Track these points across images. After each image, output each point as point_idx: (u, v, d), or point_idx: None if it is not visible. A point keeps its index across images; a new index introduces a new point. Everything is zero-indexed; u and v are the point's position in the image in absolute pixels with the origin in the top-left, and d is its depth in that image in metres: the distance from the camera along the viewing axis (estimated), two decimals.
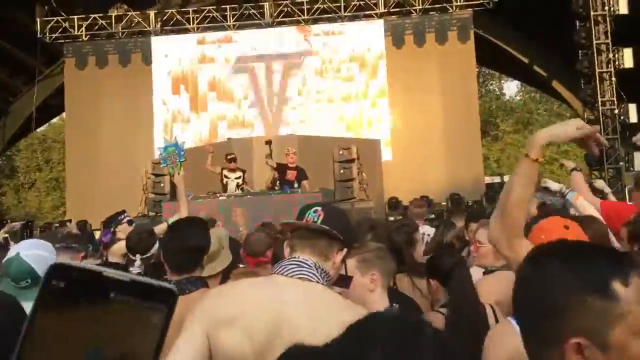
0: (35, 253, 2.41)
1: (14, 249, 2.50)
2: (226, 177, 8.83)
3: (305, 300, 1.57)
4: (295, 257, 1.65)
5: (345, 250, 1.71)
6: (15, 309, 1.86)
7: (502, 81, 32.11)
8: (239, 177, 8.89)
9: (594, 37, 14.45)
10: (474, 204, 12.29)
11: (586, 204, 3.38)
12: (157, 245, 3.64)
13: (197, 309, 1.63)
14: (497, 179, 19.54)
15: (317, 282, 1.60)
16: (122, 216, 6.05)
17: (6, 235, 5.86)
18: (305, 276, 1.60)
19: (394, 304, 2.10)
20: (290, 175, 8.98)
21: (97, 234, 8.30)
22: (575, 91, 16.87)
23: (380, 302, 2.07)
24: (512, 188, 1.56)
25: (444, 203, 11.90)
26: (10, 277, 2.33)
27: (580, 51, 15.02)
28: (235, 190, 8.60)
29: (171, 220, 3.57)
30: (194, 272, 2.25)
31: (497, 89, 32.81)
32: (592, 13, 14.27)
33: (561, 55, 16.45)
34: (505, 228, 1.56)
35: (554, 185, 3.73)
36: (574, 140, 1.59)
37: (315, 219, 1.69)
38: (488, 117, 29.70)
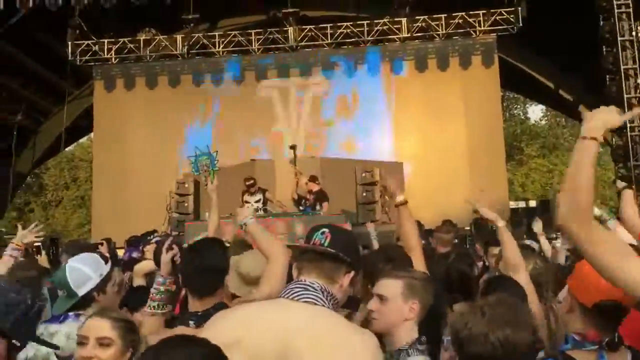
0: (79, 267, 2.42)
1: (70, 259, 2.53)
2: (246, 202, 8.85)
3: (310, 325, 1.55)
4: (302, 280, 1.65)
5: (352, 272, 1.70)
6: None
7: (527, 105, 31.83)
8: (259, 200, 8.87)
9: (621, 62, 14.26)
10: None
11: (625, 234, 3.25)
12: None
13: (203, 332, 1.62)
14: (522, 204, 19.26)
15: (323, 305, 1.59)
16: (152, 236, 6.10)
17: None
18: (311, 300, 1.59)
19: (423, 337, 2.04)
20: (310, 197, 9.03)
21: (121, 252, 8.40)
22: None
23: (410, 332, 2.01)
24: (580, 170, 1.55)
25: (467, 228, 11.74)
26: (53, 282, 2.40)
27: (607, 76, 14.81)
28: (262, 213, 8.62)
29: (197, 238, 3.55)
30: (214, 296, 2.23)
31: (521, 113, 32.53)
32: (619, 38, 14.10)
33: (588, 80, 16.23)
34: (574, 212, 1.53)
35: (594, 211, 3.54)
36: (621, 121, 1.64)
37: (323, 241, 1.69)
38: (512, 141, 29.42)
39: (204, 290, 2.22)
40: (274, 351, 1.52)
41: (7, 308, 1.84)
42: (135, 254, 5.65)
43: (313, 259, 1.68)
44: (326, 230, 1.72)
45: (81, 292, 2.37)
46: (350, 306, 2.54)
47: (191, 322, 2.17)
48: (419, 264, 2.73)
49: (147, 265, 3.85)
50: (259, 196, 8.94)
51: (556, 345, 2.13)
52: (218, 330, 1.59)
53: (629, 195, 3.34)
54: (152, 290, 2.42)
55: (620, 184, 3.76)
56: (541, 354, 1.88)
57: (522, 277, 2.73)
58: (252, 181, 8.94)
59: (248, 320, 1.60)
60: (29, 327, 1.70)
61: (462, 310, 1.70)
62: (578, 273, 1.81)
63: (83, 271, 2.42)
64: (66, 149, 26.81)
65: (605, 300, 1.68)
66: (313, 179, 9.22)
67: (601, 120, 1.61)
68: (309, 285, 1.62)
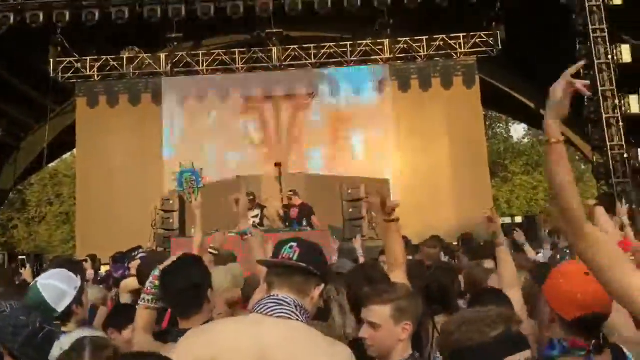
0: (52, 283, 2.41)
1: (39, 277, 2.52)
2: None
3: (286, 339, 1.55)
4: (274, 295, 1.64)
5: (322, 285, 1.71)
6: None
7: (509, 124, 32.23)
8: (256, 216, 8.79)
9: (599, 84, 14.53)
10: (485, 244, 12.14)
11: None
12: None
13: (176, 350, 1.63)
14: (507, 220, 19.36)
15: (297, 319, 1.60)
16: (137, 252, 6.06)
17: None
18: (284, 314, 1.59)
19: (415, 353, 2.05)
20: (293, 213, 9.03)
21: (105, 269, 8.32)
22: (584, 135, 16.88)
23: (405, 350, 2.02)
24: (552, 177, 1.58)
25: (455, 243, 11.81)
26: (27, 304, 2.32)
27: (586, 97, 15.05)
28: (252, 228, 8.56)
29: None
30: (201, 313, 2.22)
31: (504, 132, 32.90)
32: (596, 61, 14.38)
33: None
34: (565, 218, 1.56)
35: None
36: (567, 99, 1.64)
37: (292, 255, 1.69)
38: (497, 159, 29.70)
39: (191, 310, 2.21)
40: None
41: (15, 330, 1.83)
42: (120, 272, 5.63)
43: (283, 274, 1.68)
44: (294, 244, 1.72)
45: (60, 307, 2.37)
46: (320, 318, 2.54)
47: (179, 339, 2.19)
48: (402, 279, 2.68)
49: (132, 282, 3.84)
50: (257, 212, 8.88)
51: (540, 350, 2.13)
52: (192, 347, 1.59)
53: (601, 212, 3.35)
54: (147, 284, 2.38)
55: (590, 202, 3.73)
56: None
57: (516, 296, 2.74)
58: (252, 197, 8.88)
59: (221, 336, 1.59)
60: (38, 351, 1.69)
61: (453, 325, 1.62)
62: (553, 286, 1.81)
63: (57, 287, 2.41)
64: (49, 165, 26.59)
65: (584, 315, 1.70)
66: (294, 193, 9.23)
67: (551, 117, 1.64)
68: (282, 300, 1.62)
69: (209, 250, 3.78)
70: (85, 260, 7.42)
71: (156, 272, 2.38)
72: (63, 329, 2.31)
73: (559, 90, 1.63)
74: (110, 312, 3.46)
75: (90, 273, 5.97)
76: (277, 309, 1.60)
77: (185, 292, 2.24)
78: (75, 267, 4.00)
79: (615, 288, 1.50)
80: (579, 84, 1.64)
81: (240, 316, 1.85)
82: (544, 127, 1.65)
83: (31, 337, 1.52)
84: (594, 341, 1.73)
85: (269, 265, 1.79)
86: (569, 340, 1.76)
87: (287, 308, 1.61)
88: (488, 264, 3.79)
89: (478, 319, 1.53)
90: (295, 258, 1.68)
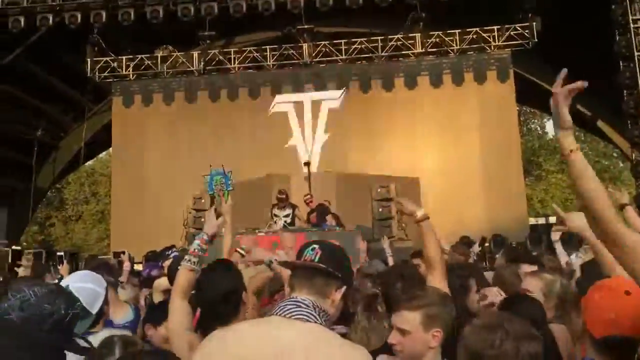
0: (83, 286, 2.45)
1: (65, 281, 2.56)
2: (275, 215, 8.70)
3: (302, 342, 1.55)
4: (293, 297, 1.65)
5: (344, 287, 1.70)
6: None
7: (544, 120, 31.49)
8: (288, 215, 8.71)
9: (639, 77, 14.07)
10: (517, 246, 11.90)
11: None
12: None
13: (197, 355, 1.65)
14: (541, 220, 18.93)
15: (315, 322, 1.59)
16: (171, 251, 6.13)
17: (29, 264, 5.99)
18: (302, 316, 1.59)
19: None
20: (313, 218, 8.89)
21: (139, 267, 8.46)
22: (622, 131, 16.36)
23: (436, 357, 2.01)
24: (579, 190, 1.57)
25: (486, 245, 11.60)
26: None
27: (625, 91, 14.61)
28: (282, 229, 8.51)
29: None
30: (237, 318, 2.25)
31: (539, 128, 32.18)
32: (636, 53, 13.94)
33: (606, 94, 16.02)
34: (598, 228, 1.55)
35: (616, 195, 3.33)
36: (564, 107, 1.60)
37: (313, 257, 1.69)
38: (530, 156, 29.08)
39: (228, 317, 2.23)
40: None
41: (40, 318, 1.86)
42: (155, 272, 5.65)
43: (304, 276, 1.68)
44: (316, 246, 1.73)
45: (95, 309, 2.43)
46: (343, 322, 2.50)
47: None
48: (439, 281, 2.64)
49: (166, 281, 3.86)
50: (289, 211, 8.79)
51: None
52: (212, 353, 1.61)
53: (631, 211, 3.20)
54: (194, 246, 2.45)
55: (622, 197, 3.47)
56: None
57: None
58: (284, 195, 8.84)
59: (241, 340, 1.60)
60: (66, 336, 1.74)
61: (473, 331, 1.67)
62: (589, 301, 1.74)
63: (91, 289, 2.47)
64: (86, 164, 27.25)
65: (612, 335, 1.62)
66: (310, 196, 9.11)
67: (556, 123, 1.62)
68: (301, 302, 1.62)
69: (237, 249, 3.81)
70: (123, 252, 7.53)
71: (204, 236, 2.46)
72: (91, 329, 2.40)
73: (553, 103, 1.61)
74: (147, 309, 3.57)
75: (127, 265, 6.01)
76: (295, 311, 1.60)
77: (220, 302, 2.28)
78: (110, 268, 4.06)
79: None
80: (571, 86, 1.61)
81: (259, 319, 1.85)
82: (559, 141, 1.63)
83: (57, 323, 1.56)
84: None
85: (290, 267, 1.80)
86: None
87: (306, 310, 1.60)
88: (526, 268, 3.61)
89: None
90: (316, 260, 1.68)
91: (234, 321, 2.20)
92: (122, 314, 3.30)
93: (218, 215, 2.61)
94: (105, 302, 2.51)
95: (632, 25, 13.94)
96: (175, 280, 2.41)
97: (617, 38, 14.34)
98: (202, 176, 11.23)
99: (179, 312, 2.33)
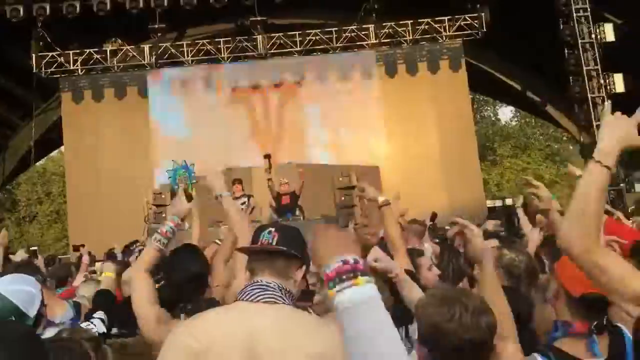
0: (18, 288, 2.30)
1: None
2: None
3: (275, 324, 1.57)
4: (257, 281, 1.65)
5: (304, 267, 1.73)
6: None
7: (497, 107, 32.33)
8: (244, 203, 8.73)
9: (583, 64, 14.60)
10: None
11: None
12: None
13: (166, 344, 1.64)
14: (498, 203, 19.49)
15: (283, 303, 1.61)
16: (134, 246, 6.04)
17: None
18: (271, 299, 1.61)
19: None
20: (285, 199, 9.03)
21: (98, 265, 8.27)
22: (570, 115, 16.96)
23: None
24: (590, 197, 1.53)
25: (447, 227, 11.85)
26: None
27: (571, 77, 15.14)
28: None
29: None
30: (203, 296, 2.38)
31: (492, 115, 33.01)
32: (580, 41, 14.44)
33: (553, 80, 16.58)
34: (581, 237, 1.53)
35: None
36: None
37: (271, 240, 1.70)
38: (485, 142, 29.81)
39: (192, 297, 2.33)
40: (243, 355, 1.53)
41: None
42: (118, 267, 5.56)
43: (264, 259, 1.69)
44: (272, 229, 1.75)
45: (32, 312, 2.28)
46: (304, 299, 2.56)
47: (182, 315, 2.29)
48: (402, 259, 2.78)
49: (132, 269, 3.84)
50: (244, 200, 8.82)
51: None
52: (183, 340, 1.61)
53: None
54: (167, 227, 2.46)
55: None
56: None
57: (400, 256, 2.74)
58: (239, 179, 8.85)
59: (211, 328, 1.60)
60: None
61: (431, 303, 1.68)
62: (566, 263, 1.78)
63: (26, 290, 2.32)
64: (37, 164, 26.36)
65: (591, 293, 1.71)
66: (287, 183, 9.25)
67: (617, 138, 1.56)
68: (266, 285, 1.63)
69: (215, 240, 3.89)
70: (82, 245, 7.37)
71: (176, 219, 2.50)
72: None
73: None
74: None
75: (85, 259, 5.89)
76: (262, 294, 1.61)
77: (187, 283, 2.38)
78: (34, 267, 3.90)
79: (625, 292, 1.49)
80: None
81: (227, 305, 1.83)
82: (606, 147, 1.56)
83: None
84: (595, 322, 1.74)
85: (248, 252, 1.80)
86: (573, 324, 1.77)
87: (272, 292, 1.62)
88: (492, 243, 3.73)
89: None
90: (274, 243, 1.70)
91: (198, 300, 2.31)
92: (61, 312, 3.16)
93: (188, 198, 2.61)
94: (42, 302, 2.37)
95: (574, 15, 14.43)
96: (140, 257, 2.44)
97: (561, 27, 14.82)
98: (165, 172, 11.06)
99: (144, 285, 2.32)
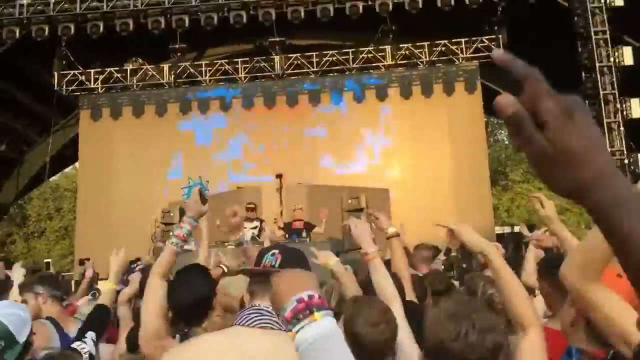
0: (11, 312, 2.25)
1: None
2: (244, 227, 8.72)
3: (267, 350, 1.53)
4: (255, 305, 1.62)
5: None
6: None
7: None
8: (255, 227, 8.74)
9: (600, 87, 14.62)
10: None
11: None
12: None
13: None
14: (507, 229, 19.37)
15: (279, 329, 1.57)
16: (135, 265, 6.04)
17: None
18: (266, 325, 1.57)
19: None
20: (297, 224, 8.96)
21: (101, 283, 8.26)
22: None
23: None
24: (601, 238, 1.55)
25: (453, 254, 11.77)
26: None
27: (587, 101, 15.15)
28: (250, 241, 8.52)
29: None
30: (200, 327, 2.28)
31: (505, 138, 32.96)
32: (597, 64, 14.48)
33: None
34: (585, 269, 1.55)
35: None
36: None
37: (273, 263, 1.66)
38: (497, 167, 29.74)
39: (195, 322, 2.28)
40: None
41: None
42: (120, 287, 5.54)
43: (264, 282, 1.62)
44: (276, 251, 1.70)
45: (22, 338, 2.21)
46: None
47: (177, 336, 2.24)
48: (408, 291, 2.80)
49: (129, 290, 3.81)
50: (256, 223, 8.83)
51: None
52: None
53: (397, 244, 3.11)
54: (184, 230, 2.36)
55: (393, 232, 3.14)
56: None
57: (406, 286, 2.76)
58: (252, 205, 8.85)
59: (205, 353, 1.58)
60: None
61: (437, 319, 1.66)
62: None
63: (19, 315, 2.26)
64: (50, 179, 26.53)
65: None
66: (301, 209, 9.22)
67: None
68: (263, 310, 1.60)
69: (220, 265, 3.83)
70: (88, 259, 7.35)
71: (193, 221, 2.40)
72: None
73: None
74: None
75: (89, 272, 5.90)
76: (258, 319, 1.58)
77: (194, 306, 2.31)
78: (56, 280, 3.90)
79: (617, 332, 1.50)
80: None
81: (223, 329, 1.80)
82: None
83: None
84: (612, 352, 1.66)
85: (250, 274, 1.77)
86: (589, 351, 1.72)
87: (269, 318, 1.58)
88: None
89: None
90: (276, 265, 1.65)
91: (201, 324, 2.26)
92: (73, 328, 3.11)
93: (202, 199, 2.49)
94: (31, 330, 2.29)
95: (593, 37, 14.51)
96: (158, 261, 2.32)
97: (580, 50, 14.89)
98: (181, 188, 11.04)
99: (157, 294, 2.22)
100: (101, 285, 3.78)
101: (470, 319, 1.58)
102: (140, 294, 3.27)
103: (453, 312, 1.65)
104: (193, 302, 2.32)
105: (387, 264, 3.85)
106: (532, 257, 3.52)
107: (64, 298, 4.45)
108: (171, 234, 2.38)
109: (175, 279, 2.46)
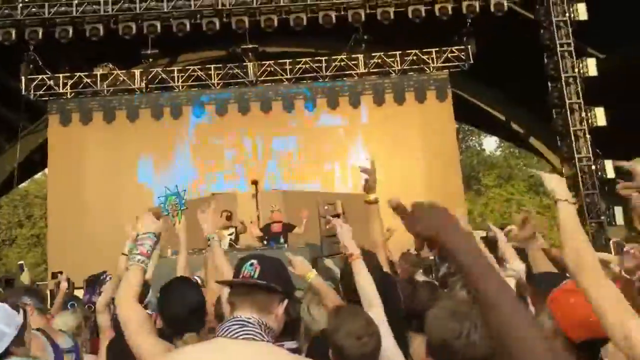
0: None
1: None
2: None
3: None
4: (237, 317, 1.61)
5: (286, 301, 1.69)
6: None
7: (482, 137, 32.87)
8: (232, 234, 8.74)
9: (566, 97, 14.98)
10: None
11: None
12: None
13: None
14: (482, 233, 19.58)
15: (262, 339, 1.57)
16: (104, 275, 6.00)
17: None
18: (250, 336, 1.56)
19: None
20: (276, 227, 8.95)
21: (79, 292, 8.15)
22: (553, 147, 17.32)
23: None
24: (575, 233, 1.68)
25: (431, 257, 11.91)
26: None
27: (554, 110, 15.52)
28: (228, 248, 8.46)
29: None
30: (197, 334, 2.29)
31: (477, 144, 33.52)
32: (563, 75, 14.85)
33: (537, 112, 16.98)
34: (584, 270, 1.61)
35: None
36: None
37: (252, 273, 1.65)
38: (470, 172, 30.17)
39: (188, 332, 2.27)
40: None
41: None
42: (95, 298, 5.52)
43: (245, 293, 1.64)
44: (254, 261, 1.69)
45: (2, 346, 2.18)
46: (288, 335, 2.58)
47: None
48: (383, 261, 2.85)
49: (105, 298, 3.79)
50: (232, 230, 8.82)
51: None
52: None
53: (374, 211, 3.18)
54: (146, 246, 2.27)
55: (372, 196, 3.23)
56: None
57: (381, 258, 2.84)
58: (229, 214, 8.82)
59: None
60: None
61: (439, 317, 1.69)
62: (564, 304, 1.76)
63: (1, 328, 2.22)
64: (20, 186, 25.97)
65: (593, 338, 1.69)
66: (279, 210, 9.22)
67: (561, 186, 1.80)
68: (246, 321, 1.59)
69: (195, 276, 3.85)
70: (60, 272, 7.27)
71: (153, 237, 2.32)
72: None
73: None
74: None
75: (64, 286, 5.84)
76: (240, 331, 1.57)
77: (187, 317, 2.31)
78: (38, 293, 3.88)
79: (615, 331, 1.51)
80: None
81: (205, 342, 1.79)
82: (553, 184, 1.83)
83: None
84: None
85: (228, 285, 1.76)
86: None
87: (252, 329, 1.58)
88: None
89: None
90: (256, 276, 1.64)
91: (191, 337, 2.25)
92: (62, 340, 3.19)
93: (156, 215, 2.44)
94: (16, 342, 2.25)
95: (558, 49, 14.88)
96: (127, 280, 2.21)
97: (546, 60, 15.25)
98: (157, 198, 10.94)
99: (137, 314, 2.13)
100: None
101: (471, 318, 1.61)
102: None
103: (454, 310, 1.68)
104: (186, 314, 2.31)
105: (392, 265, 3.91)
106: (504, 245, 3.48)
107: (48, 311, 4.43)
108: (134, 252, 2.29)
109: (165, 292, 2.44)
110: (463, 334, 1.59)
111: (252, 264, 1.68)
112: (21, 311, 2.39)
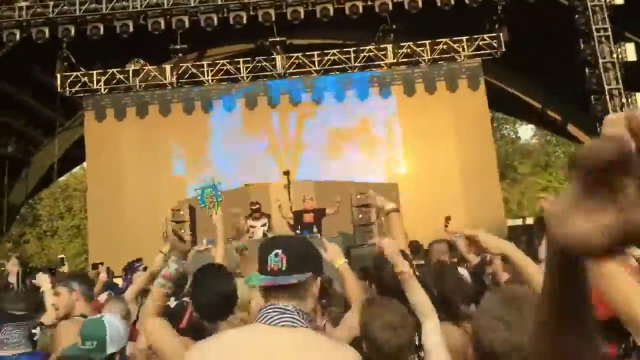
0: (116, 324, 2.39)
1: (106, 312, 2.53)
2: (252, 227, 8.71)
3: (292, 348, 1.55)
4: (275, 304, 1.60)
5: (319, 279, 1.69)
6: None
7: (517, 125, 32.08)
8: (265, 225, 8.79)
9: (605, 83, 14.44)
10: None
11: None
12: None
13: None
14: (519, 222, 19.30)
15: (301, 326, 1.58)
16: (139, 264, 6.15)
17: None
18: (289, 323, 1.57)
19: None
20: (308, 217, 8.97)
21: (118, 280, 8.41)
22: (592, 134, 16.72)
23: None
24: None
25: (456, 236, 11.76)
26: (80, 335, 2.32)
27: (592, 96, 14.98)
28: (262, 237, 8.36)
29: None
30: (227, 321, 2.33)
31: (512, 133, 32.74)
32: (600, 60, 14.29)
33: (574, 98, 16.42)
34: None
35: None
36: None
37: (280, 265, 1.61)
38: (505, 161, 29.54)
39: (220, 319, 2.33)
40: None
41: None
42: (124, 284, 5.67)
43: (278, 286, 1.63)
44: (279, 251, 1.63)
45: (110, 350, 2.32)
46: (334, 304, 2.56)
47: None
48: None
49: (134, 288, 3.90)
50: (265, 220, 8.87)
51: None
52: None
53: (396, 219, 3.09)
54: (169, 270, 2.31)
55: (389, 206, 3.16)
56: None
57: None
58: (257, 206, 8.88)
59: (229, 349, 1.57)
60: None
61: (486, 328, 1.60)
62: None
63: (119, 330, 2.37)
64: (59, 179, 26.83)
65: (614, 316, 1.64)
66: (311, 198, 9.24)
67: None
68: (284, 308, 1.59)
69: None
70: (101, 263, 7.49)
71: (179, 261, 2.35)
72: None
73: None
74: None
75: (103, 276, 6.06)
76: (280, 318, 1.58)
77: (217, 304, 2.35)
78: (86, 278, 4.03)
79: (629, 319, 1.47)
80: None
81: (245, 327, 1.80)
82: None
83: None
84: (624, 345, 1.68)
85: (263, 288, 1.71)
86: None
87: (290, 316, 1.58)
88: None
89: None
90: (284, 267, 1.61)
91: (222, 323, 2.29)
92: None
93: (179, 237, 2.50)
94: (121, 354, 2.40)
95: (595, 34, 14.31)
96: (148, 301, 2.29)
97: (582, 46, 14.70)
98: (194, 191, 11.23)
99: (162, 329, 2.19)
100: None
101: (522, 323, 1.51)
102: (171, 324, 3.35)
103: (506, 320, 1.58)
104: (217, 299, 2.36)
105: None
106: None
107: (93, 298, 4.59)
108: (160, 275, 2.34)
109: (196, 278, 2.49)
110: (515, 345, 1.51)
111: (277, 254, 1.62)
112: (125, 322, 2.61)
